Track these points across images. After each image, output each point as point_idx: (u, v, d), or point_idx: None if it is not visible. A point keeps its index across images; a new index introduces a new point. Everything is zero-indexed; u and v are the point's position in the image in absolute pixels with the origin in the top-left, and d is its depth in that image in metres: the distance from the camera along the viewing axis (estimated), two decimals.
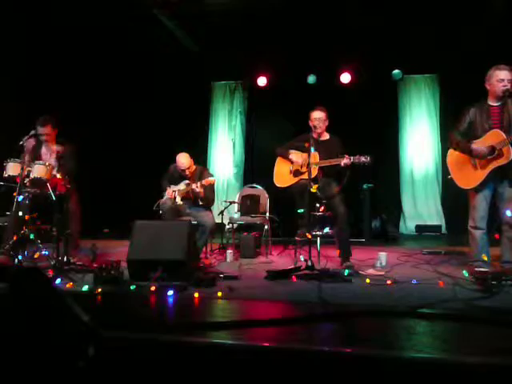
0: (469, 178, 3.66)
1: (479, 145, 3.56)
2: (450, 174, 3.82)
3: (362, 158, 4.06)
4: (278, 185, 4.54)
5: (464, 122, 3.72)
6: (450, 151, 3.85)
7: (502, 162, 3.48)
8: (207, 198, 4.67)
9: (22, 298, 1.64)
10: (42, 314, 1.62)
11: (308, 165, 3.98)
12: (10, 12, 5.73)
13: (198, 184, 4.47)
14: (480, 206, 3.64)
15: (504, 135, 3.45)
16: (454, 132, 3.78)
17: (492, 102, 3.65)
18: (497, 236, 3.72)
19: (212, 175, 4.74)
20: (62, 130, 4.61)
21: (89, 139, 6.73)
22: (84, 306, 1.71)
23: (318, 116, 4.31)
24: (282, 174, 4.51)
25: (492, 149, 3.50)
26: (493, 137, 3.52)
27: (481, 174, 3.58)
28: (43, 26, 6.21)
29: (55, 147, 4.52)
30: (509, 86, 3.50)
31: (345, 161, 4.09)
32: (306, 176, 4.10)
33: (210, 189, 4.66)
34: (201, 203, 4.66)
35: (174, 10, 6.50)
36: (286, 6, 6.25)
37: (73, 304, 1.67)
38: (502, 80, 3.51)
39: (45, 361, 1.55)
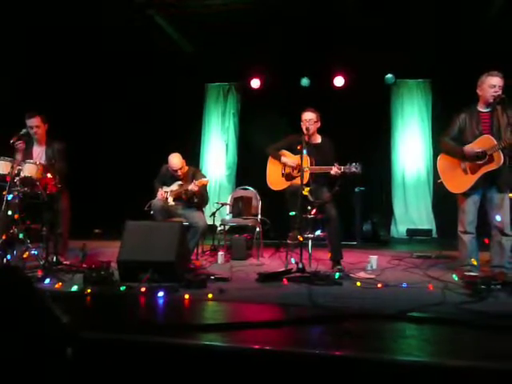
0: (459, 182, 3.69)
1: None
2: (440, 179, 3.85)
3: (353, 169, 4.05)
4: (271, 187, 4.54)
5: (454, 128, 3.76)
6: (441, 156, 3.89)
7: (492, 167, 3.51)
8: (202, 196, 4.64)
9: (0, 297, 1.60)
10: (19, 314, 1.59)
11: (300, 169, 3.98)
12: (9, 13, 5.71)
13: (193, 184, 4.44)
14: (469, 210, 3.68)
15: (495, 141, 3.48)
16: (444, 137, 3.82)
17: (482, 108, 3.68)
18: (486, 240, 3.75)
19: (205, 176, 4.74)
20: (55, 128, 4.57)
21: (81, 138, 6.70)
22: (73, 307, 1.70)
23: (308, 117, 4.29)
24: (275, 177, 4.51)
25: (483, 154, 3.54)
26: (484, 142, 3.55)
27: (471, 179, 3.61)
28: (40, 26, 6.18)
29: (46, 146, 4.48)
30: (500, 92, 3.54)
31: (335, 170, 4.08)
32: (298, 181, 4.09)
33: (203, 189, 4.65)
34: (196, 200, 4.63)
35: (169, 11, 6.50)
36: (280, 9, 6.27)
37: (52, 305, 1.64)
38: (494, 86, 3.55)
39: (21, 361, 1.52)
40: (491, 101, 3.57)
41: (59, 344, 1.60)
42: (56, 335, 1.60)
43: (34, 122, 4.33)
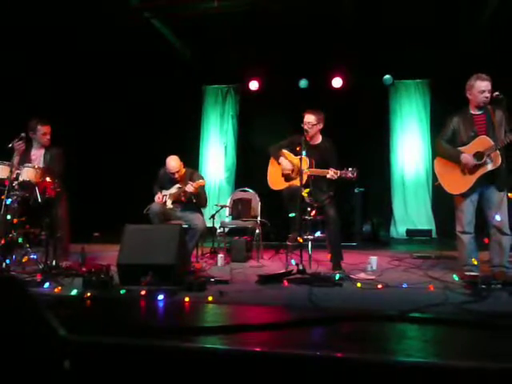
0: (457, 183, 3.68)
1: (468, 152, 3.59)
2: (437, 181, 3.84)
3: (349, 174, 4.03)
4: (270, 186, 4.54)
5: (448, 131, 3.77)
6: (438, 158, 3.88)
7: (490, 168, 3.51)
8: (200, 196, 4.63)
9: None
10: (14, 326, 1.56)
11: (300, 170, 3.97)
12: (8, 13, 5.72)
13: (190, 185, 4.42)
14: (467, 210, 3.67)
15: (491, 142, 3.49)
16: (440, 140, 3.82)
17: (474, 111, 3.70)
18: (486, 240, 3.74)
19: (202, 177, 4.73)
20: (55, 131, 4.58)
21: (79, 142, 6.70)
22: (72, 311, 1.69)
23: (307, 120, 4.26)
24: (275, 176, 4.50)
25: (480, 155, 3.54)
26: (481, 143, 3.55)
27: (469, 180, 3.60)
28: (39, 29, 6.18)
29: (44, 150, 4.48)
30: (489, 95, 3.56)
31: (331, 174, 4.07)
32: (296, 182, 4.08)
33: (200, 189, 4.64)
34: (194, 201, 4.61)
35: (165, 14, 6.50)
36: (279, 11, 6.28)
37: (49, 316, 1.61)
38: (483, 91, 3.57)
39: (16, 374, 1.49)
40: (481, 105, 3.61)
41: (56, 356, 1.57)
42: (52, 348, 1.58)
43: (47, 129, 4.47)
